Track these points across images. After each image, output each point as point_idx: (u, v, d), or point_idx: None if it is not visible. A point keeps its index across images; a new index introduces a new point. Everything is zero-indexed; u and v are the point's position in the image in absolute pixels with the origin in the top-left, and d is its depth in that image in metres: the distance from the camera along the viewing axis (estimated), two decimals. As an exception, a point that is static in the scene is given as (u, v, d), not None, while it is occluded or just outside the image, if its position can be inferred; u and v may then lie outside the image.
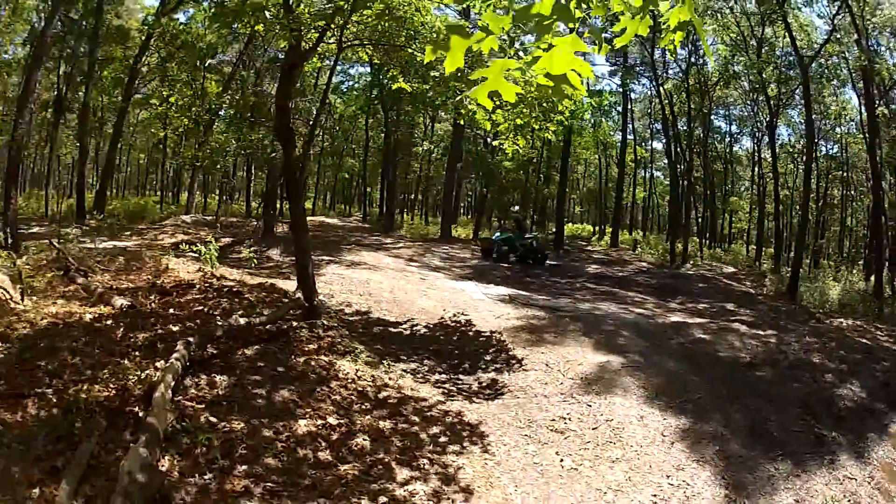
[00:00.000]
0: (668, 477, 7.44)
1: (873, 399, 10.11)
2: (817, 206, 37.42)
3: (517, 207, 27.65)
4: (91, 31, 29.72)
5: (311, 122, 22.91)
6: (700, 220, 43.45)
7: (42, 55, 18.86)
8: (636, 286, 22.45)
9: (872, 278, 26.66)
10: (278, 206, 30.52)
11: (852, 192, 41.69)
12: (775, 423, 8.95)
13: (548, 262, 25.87)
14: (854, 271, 31.82)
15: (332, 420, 7.39)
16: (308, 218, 14.29)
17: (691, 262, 30.89)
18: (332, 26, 11.29)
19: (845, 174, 40.37)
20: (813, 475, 7.90)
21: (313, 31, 11.18)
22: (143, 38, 31.62)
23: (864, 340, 14.21)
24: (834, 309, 20.99)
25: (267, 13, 10.83)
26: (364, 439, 7.14)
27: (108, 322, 9.16)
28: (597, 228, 50.83)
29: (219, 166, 31.48)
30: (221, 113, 29.19)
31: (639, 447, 8.03)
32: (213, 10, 12.57)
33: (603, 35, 3.43)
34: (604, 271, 25.61)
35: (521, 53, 3.20)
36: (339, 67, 36.57)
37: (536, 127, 11.88)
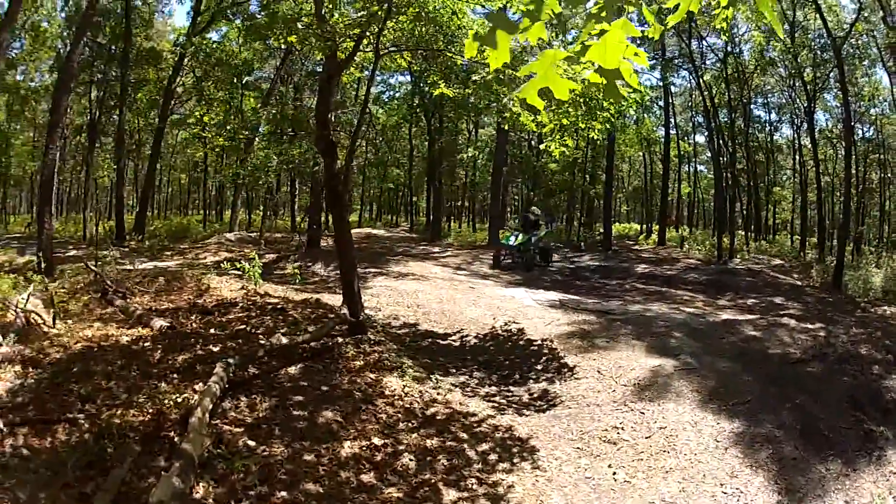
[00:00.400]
0: (723, 485, 7.16)
1: (918, 389, 9.76)
2: (857, 192, 36.60)
3: (535, 209, 26.73)
4: (121, 55, 30.01)
5: (352, 134, 22.86)
6: (745, 212, 42.80)
7: (69, 80, 18.90)
8: (685, 284, 22.12)
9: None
10: (323, 219, 30.43)
11: (889, 175, 40.82)
12: (825, 421, 8.63)
13: (552, 263, 25.14)
14: (895, 256, 31.07)
15: (376, 440, 7.16)
16: (354, 230, 14.17)
17: (739, 257, 30.33)
18: (368, 34, 11.11)
19: (882, 156, 39.64)
20: (861, 473, 7.66)
21: (349, 39, 11.02)
22: (176, 58, 31.73)
23: (908, 329, 13.83)
24: (878, 297, 20.60)
25: (299, 24, 10.71)
26: (410, 459, 6.91)
27: (146, 344, 9.06)
28: (643, 227, 50.06)
29: (261, 182, 31.53)
30: (261, 129, 29.25)
31: (692, 455, 7.74)
32: (245, 27, 12.53)
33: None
34: (652, 270, 25.14)
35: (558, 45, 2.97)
36: (379, 77, 36.48)
37: (582, 126, 11.48)
